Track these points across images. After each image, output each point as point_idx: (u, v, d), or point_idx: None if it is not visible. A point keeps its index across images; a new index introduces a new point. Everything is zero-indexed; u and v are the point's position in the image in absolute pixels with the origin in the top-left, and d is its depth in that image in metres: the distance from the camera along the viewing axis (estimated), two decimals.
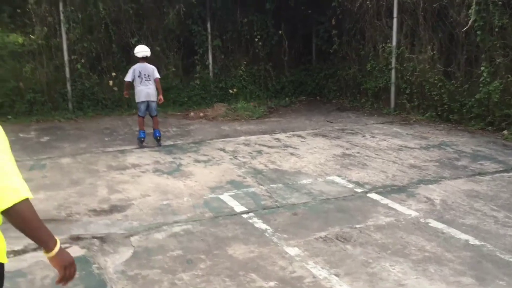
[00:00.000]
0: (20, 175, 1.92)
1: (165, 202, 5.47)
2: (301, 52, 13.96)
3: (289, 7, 12.78)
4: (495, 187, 5.77)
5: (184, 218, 4.99)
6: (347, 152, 7.64)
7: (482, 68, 8.81)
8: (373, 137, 8.68)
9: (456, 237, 4.40)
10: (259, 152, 7.77)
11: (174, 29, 12.44)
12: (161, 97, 8.24)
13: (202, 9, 12.46)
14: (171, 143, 8.54)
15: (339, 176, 6.38)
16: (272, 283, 3.65)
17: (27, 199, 1.87)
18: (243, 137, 8.90)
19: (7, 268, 3.82)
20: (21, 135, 9.26)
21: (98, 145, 8.38)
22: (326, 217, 4.96)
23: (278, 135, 9.03)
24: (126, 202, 5.49)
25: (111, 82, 11.65)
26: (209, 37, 12.66)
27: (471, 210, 5.06)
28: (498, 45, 8.65)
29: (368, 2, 11.31)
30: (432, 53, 9.96)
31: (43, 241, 2.01)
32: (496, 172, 6.38)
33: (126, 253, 4.21)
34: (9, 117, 10.69)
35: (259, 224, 4.81)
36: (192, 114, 11.29)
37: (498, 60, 8.65)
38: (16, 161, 6.39)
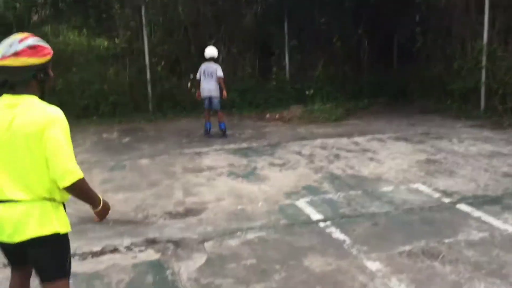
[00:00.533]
0: (75, 159, 2.44)
1: (239, 207, 5.36)
2: (381, 51, 13.40)
3: (369, 5, 12.26)
4: None
5: (259, 225, 4.83)
6: (432, 158, 7.13)
7: None
8: (461, 142, 8.07)
9: None
10: (337, 156, 7.47)
11: (251, 30, 12.42)
12: (224, 92, 9.00)
13: (279, 10, 12.31)
14: (246, 145, 8.46)
15: (423, 184, 5.94)
16: None
17: (82, 178, 2.42)
18: (319, 140, 8.63)
19: (84, 269, 3.87)
20: (104, 135, 9.62)
21: (176, 147, 8.49)
22: (410, 229, 4.59)
23: (356, 139, 8.66)
24: (201, 206, 5.45)
25: (189, 84, 11.83)
26: (286, 37, 12.50)
27: None
28: None
29: None
30: None
31: (93, 203, 2.59)
32: None
33: (199, 259, 4.13)
34: (94, 118, 11.19)
35: (337, 234, 4.55)
36: (267, 116, 11.18)
37: None
38: (99, 161, 6.55)
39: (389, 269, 3.80)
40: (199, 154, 7.93)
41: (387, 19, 12.69)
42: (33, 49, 2.40)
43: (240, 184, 6.24)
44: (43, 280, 2.53)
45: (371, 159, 7.21)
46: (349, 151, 7.77)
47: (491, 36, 9.95)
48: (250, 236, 4.57)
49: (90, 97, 11.41)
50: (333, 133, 9.23)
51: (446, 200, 5.34)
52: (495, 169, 6.40)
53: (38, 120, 2.35)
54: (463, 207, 5.12)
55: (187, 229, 4.81)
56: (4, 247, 2.54)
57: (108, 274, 3.91)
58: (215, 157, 7.70)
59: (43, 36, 3.45)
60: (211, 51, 9.08)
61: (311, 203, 5.39)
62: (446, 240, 4.29)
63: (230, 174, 6.69)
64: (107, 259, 4.19)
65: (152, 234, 4.69)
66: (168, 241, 4.52)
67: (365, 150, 7.75)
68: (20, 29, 8.19)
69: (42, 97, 2.49)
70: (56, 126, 2.37)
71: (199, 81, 9.13)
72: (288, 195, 5.72)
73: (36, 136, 2.34)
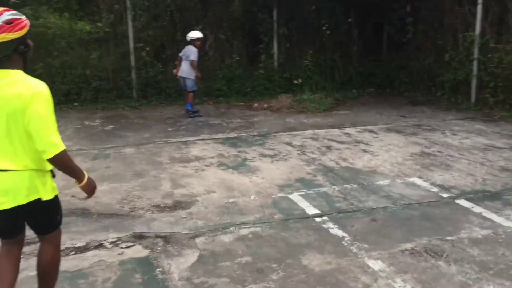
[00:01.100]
0: (57, 132, 2.56)
1: (231, 200, 5.11)
2: (371, 41, 13.20)
3: None
4: None
5: (252, 219, 4.60)
6: (426, 150, 6.98)
7: None
8: (454, 134, 7.93)
9: None
10: (329, 147, 7.26)
11: (239, 17, 12.09)
12: (197, 74, 9.61)
13: None
14: (235, 135, 8.20)
15: (420, 178, 5.77)
16: None
17: (64, 150, 2.55)
18: (310, 131, 8.41)
19: (67, 267, 3.58)
20: (86, 122, 9.25)
21: (162, 135, 8.18)
22: (411, 226, 4.41)
23: (347, 130, 8.46)
24: (190, 198, 5.18)
25: (174, 71, 11.44)
26: (275, 25, 12.20)
27: None
28: None
29: None
30: None
31: (77, 176, 2.72)
32: None
33: (191, 256, 3.87)
34: (76, 104, 10.78)
35: (335, 230, 4.34)
36: (255, 105, 10.91)
37: None
38: (81, 149, 6.18)
39: (393, 269, 3.60)
40: (186, 143, 7.65)
41: (377, 9, 12.50)
42: (10, 24, 2.44)
43: (230, 175, 5.98)
44: (37, 234, 2.87)
45: (364, 151, 7.02)
46: (341, 142, 7.57)
47: (483, 28, 9.82)
48: (244, 231, 4.33)
49: (72, 82, 10.99)
50: (324, 124, 9.02)
51: (445, 195, 5.18)
52: (492, 163, 6.27)
53: (23, 93, 2.46)
54: (463, 202, 4.95)
55: (177, 223, 4.55)
56: None
57: (93, 272, 3.63)
58: (203, 146, 7.42)
59: None
60: (190, 33, 9.71)
61: (305, 197, 5.17)
62: (449, 238, 4.12)
63: (220, 165, 6.43)
64: (91, 255, 3.91)
65: (139, 228, 4.42)
66: (157, 236, 4.26)
67: (357, 142, 7.56)
68: None
69: (24, 68, 2.59)
70: (40, 99, 2.48)
71: (180, 59, 9.69)
72: (281, 187, 5.49)
73: (22, 109, 2.45)
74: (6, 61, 2.49)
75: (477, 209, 4.77)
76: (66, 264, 3.73)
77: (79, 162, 6.56)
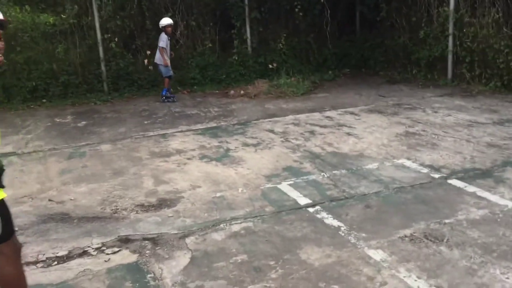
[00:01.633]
0: None
1: (218, 194, 4.90)
2: (345, 22, 13.05)
3: None
4: None
5: (243, 214, 4.40)
6: (410, 130, 6.89)
7: None
8: (436, 112, 7.88)
9: None
10: (312, 132, 7.10)
11: (209, 2, 11.75)
12: (164, 61, 9.81)
13: None
14: (214, 124, 7.95)
15: (408, 159, 5.66)
16: None
17: None
18: (291, 116, 8.23)
19: (51, 279, 3.33)
20: (57, 120, 8.83)
21: (138, 129, 7.87)
22: (406, 210, 4.29)
23: (328, 113, 8.32)
24: (175, 195, 4.95)
25: (146, 61, 11.08)
26: (246, 9, 11.88)
27: None
28: None
29: None
30: (497, 15, 8.97)
31: None
32: None
33: (183, 258, 3.66)
34: (44, 101, 10.31)
35: (330, 220, 4.18)
36: (232, 92, 10.65)
37: None
38: (54, 149, 5.81)
39: (395, 258, 3.47)
40: (164, 136, 7.37)
41: None
42: None
43: (214, 168, 5.76)
44: None
45: (349, 134, 6.89)
46: (323, 126, 7.42)
47: (457, 2, 9.76)
48: (236, 227, 4.13)
49: (38, 78, 10.48)
50: (303, 108, 8.85)
51: (436, 175, 5.08)
52: (477, 140, 6.22)
53: None
54: (455, 182, 4.87)
55: (164, 223, 4.32)
56: None
57: (79, 283, 3.38)
58: (183, 138, 7.16)
59: None
60: (161, 21, 9.99)
61: (295, 186, 5.01)
62: (447, 221, 4.01)
63: (202, 157, 6.19)
64: (76, 264, 3.65)
65: (124, 231, 4.18)
66: (144, 238, 4.03)
67: (340, 125, 7.42)
68: None
69: None
70: None
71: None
72: (269, 178, 5.31)
73: None
74: None
75: (471, 188, 4.69)
76: (49, 276, 3.49)
77: (54, 162, 6.24)
